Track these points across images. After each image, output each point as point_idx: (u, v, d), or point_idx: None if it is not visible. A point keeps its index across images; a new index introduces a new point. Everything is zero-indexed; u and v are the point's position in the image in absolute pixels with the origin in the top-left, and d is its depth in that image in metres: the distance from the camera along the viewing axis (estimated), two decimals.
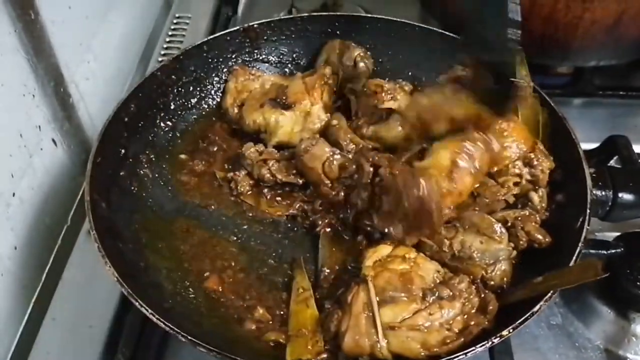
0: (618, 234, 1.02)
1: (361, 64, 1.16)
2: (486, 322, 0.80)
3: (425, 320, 0.79)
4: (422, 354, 0.78)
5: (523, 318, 0.77)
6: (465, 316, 0.80)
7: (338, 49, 1.18)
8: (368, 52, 1.18)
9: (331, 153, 1.00)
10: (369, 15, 1.23)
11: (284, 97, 1.10)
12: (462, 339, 0.78)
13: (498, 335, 0.75)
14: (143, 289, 0.81)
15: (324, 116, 1.10)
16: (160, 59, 1.45)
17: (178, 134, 1.13)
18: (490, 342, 0.75)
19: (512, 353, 0.91)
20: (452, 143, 0.92)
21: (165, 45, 1.50)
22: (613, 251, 0.97)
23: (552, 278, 0.81)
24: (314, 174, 1.01)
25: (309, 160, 1.00)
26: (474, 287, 0.83)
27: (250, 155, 1.05)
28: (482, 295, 0.83)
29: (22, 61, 1.05)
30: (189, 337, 0.74)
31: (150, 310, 0.76)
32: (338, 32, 1.22)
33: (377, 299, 0.80)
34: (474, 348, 0.74)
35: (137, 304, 0.77)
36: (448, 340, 0.78)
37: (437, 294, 0.81)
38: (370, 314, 0.80)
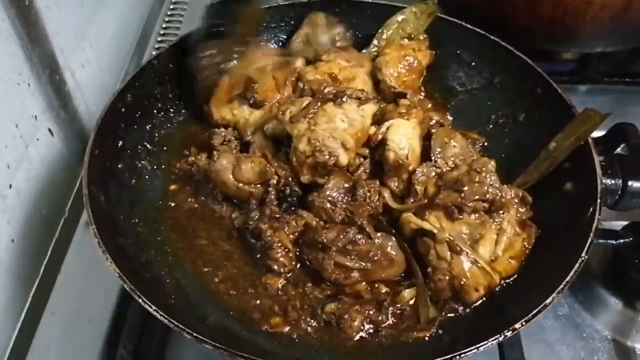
0: (624, 222, 1.01)
1: (338, 44, 1.15)
2: (531, 213, 0.92)
3: (507, 238, 0.89)
4: (518, 266, 0.90)
5: (535, 311, 0.75)
6: (517, 215, 0.92)
7: (322, 24, 1.16)
8: (348, 33, 1.17)
9: (235, 159, 0.96)
10: (370, 0, 1.20)
11: (253, 94, 1.05)
12: (526, 234, 0.91)
13: (510, 328, 0.74)
14: (145, 284, 0.80)
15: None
16: (157, 46, 1.43)
17: (176, 124, 1.11)
18: (502, 336, 0.74)
19: (521, 345, 0.90)
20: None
21: (161, 32, 1.48)
22: (621, 241, 0.96)
23: (563, 139, 0.94)
24: (231, 189, 0.96)
25: (218, 176, 0.96)
26: (512, 191, 0.92)
27: (214, 142, 1.02)
28: (520, 194, 0.93)
29: (16, 49, 1.02)
30: (194, 334, 0.73)
31: (153, 307, 0.75)
32: (339, 18, 1.19)
33: (469, 242, 0.88)
34: (486, 342, 0.73)
35: (140, 300, 0.75)
36: (526, 243, 0.90)
37: (500, 212, 0.90)
38: (472, 256, 0.86)
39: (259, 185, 0.96)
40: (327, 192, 0.90)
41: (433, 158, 0.96)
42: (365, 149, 0.95)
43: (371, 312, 0.86)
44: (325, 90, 0.99)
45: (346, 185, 0.91)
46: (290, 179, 0.95)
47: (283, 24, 1.20)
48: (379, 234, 0.87)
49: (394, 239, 0.88)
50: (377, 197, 0.91)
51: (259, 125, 1.03)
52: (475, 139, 1.06)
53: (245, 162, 0.96)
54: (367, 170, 0.95)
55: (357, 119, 0.93)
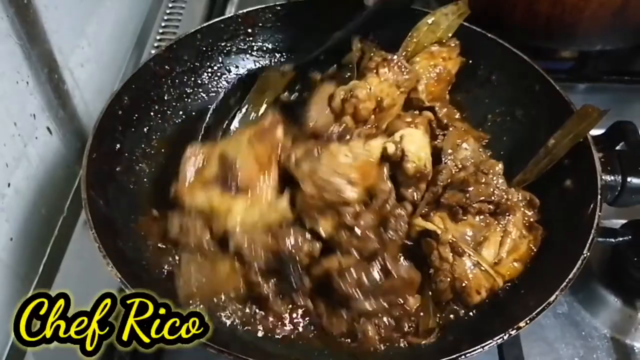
0: (623, 221, 1.01)
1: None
2: (539, 215, 0.91)
3: (512, 241, 0.88)
4: (523, 268, 0.88)
5: (539, 309, 0.75)
6: (524, 218, 0.90)
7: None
8: (376, 41, 1.13)
9: (202, 263, 0.86)
10: None
11: (234, 179, 0.88)
12: (532, 236, 0.89)
13: (515, 327, 0.74)
14: (146, 288, 0.78)
15: (284, 204, 0.87)
16: (156, 44, 1.43)
17: (174, 126, 1.10)
18: (507, 335, 0.74)
19: (520, 344, 0.90)
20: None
21: (160, 30, 1.47)
22: (621, 239, 0.96)
23: (562, 136, 0.93)
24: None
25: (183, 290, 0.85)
26: (519, 193, 0.91)
27: (171, 232, 0.90)
28: (528, 197, 0.91)
29: (15, 47, 1.02)
30: None
31: None
32: (337, 18, 1.19)
33: (472, 243, 0.87)
34: (491, 341, 0.73)
35: None
36: (532, 246, 0.89)
37: (506, 215, 0.88)
38: (474, 258, 0.85)
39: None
40: (359, 230, 0.85)
41: (443, 159, 0.95)
42: (387, 183, 0.90)
43: (383, 320, 0.85)
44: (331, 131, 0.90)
45: (374, 219, 0.87)
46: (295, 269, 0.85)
47: (280, 24, 1.19)
48: (399, 263, 0.85)
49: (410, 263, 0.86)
50: (406, 226, 0.88)
51: (248, 219, 0.86)
52: (479, 137, 1.06)
53: (216, 268, 0.85)
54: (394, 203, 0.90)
55: (362, 153, 0.88)
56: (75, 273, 1.03)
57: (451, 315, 0.87)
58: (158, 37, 1.45)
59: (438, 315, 0.86)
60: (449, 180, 0.92)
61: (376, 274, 0.82)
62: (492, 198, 0.87)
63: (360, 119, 0.95)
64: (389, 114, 0.99)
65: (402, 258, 0.87)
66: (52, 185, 1.14)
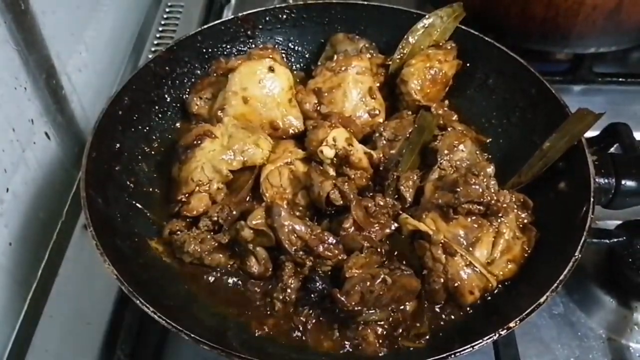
0: (618, 222, 1.02)
1: (367, 55, 1.13)
2: (532, 217, 0.92)
3: (505, 242, 0.89)
4: (517, 269, 0.89)
5: (529, 310, 0.76)
6: (518, 220, 0.91)
7: (343, 40, 1.16)
8: (373, 43, 1.16)
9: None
10: (365, 2, 1.21)
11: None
12: (526, 237, 0.90)
13: (505, 327, 0.75)
14: (143, 286, 0.80)
15: None
16: (153, 49, 1.43)
17: (174, 127, 1.11)
18: (497, 335, 0.74)
19: (516, 344, 0.90)
20: None
21: (157, 35, 1.48)
22: (615, 240, 0.96)
23: (557, 139, 0.94)
24: None
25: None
26: (512, 195, 0.91)
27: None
28: (522, 199, 0.92)
29: (13, 53, 1.03)
30: (192, 335, 0.73)
31: (152, 309, 0.75)
32: (334, 20, 1.20)
33: (465, 243, 0.87)
34: (481, 341, 0.74)
35: (138, 301, 0.76)
36: (526, 247, 0.90)
37: (498, 216, 0.89)
38: (467, 258, 0.85)
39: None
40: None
41: (439, 160, 0.96)
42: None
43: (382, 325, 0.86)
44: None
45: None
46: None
47: (279, 26, 1.21)
48: (398, 273, 0.85)
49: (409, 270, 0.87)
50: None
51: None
52: (478, 139, 1.06)
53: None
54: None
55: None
56: (73, 278, 1.04)
57: (443, 316, 0.87)
58: (155, 42, 1.46)
59: (431, 319, 0.87)
60: (412, 184, 0.95)
61: (377, 289, 0.81)
62: (482, 199, 0.88)
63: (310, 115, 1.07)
64: (339, 91, 1.06)
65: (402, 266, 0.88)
66: (50, 189, 1.14)
